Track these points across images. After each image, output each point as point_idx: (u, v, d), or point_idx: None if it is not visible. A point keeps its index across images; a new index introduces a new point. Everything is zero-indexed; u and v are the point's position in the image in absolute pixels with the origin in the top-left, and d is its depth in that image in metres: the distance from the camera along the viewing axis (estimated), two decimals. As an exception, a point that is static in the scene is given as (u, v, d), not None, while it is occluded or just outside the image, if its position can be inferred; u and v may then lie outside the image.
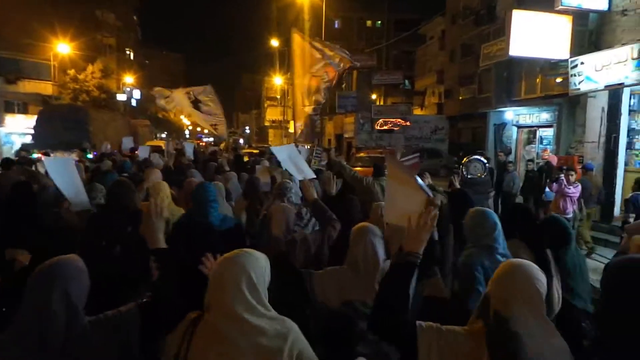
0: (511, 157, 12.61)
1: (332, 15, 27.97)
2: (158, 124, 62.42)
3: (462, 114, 28.26)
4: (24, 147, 25.26)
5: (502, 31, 19.13)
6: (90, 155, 14.53)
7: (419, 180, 2.37)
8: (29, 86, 35.06)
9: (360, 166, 14.24)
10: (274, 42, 34.06)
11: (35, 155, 13.79)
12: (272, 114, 46.81)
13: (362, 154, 16.44)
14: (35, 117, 32.01)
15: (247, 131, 78.88)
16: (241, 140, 60.54)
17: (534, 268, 1.75)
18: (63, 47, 33.93)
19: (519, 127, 16.67)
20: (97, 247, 3.04)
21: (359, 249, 2.49)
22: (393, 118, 18.44)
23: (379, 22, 41.82)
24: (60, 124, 22.41)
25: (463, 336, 1.72)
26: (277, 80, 38.48)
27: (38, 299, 1.67)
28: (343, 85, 31.63)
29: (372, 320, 1.85)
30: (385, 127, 18.32)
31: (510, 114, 16.21)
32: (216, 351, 1.71)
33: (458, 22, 30.65)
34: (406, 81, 35.75)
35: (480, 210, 2.97)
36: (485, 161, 9.01)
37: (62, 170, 3.91)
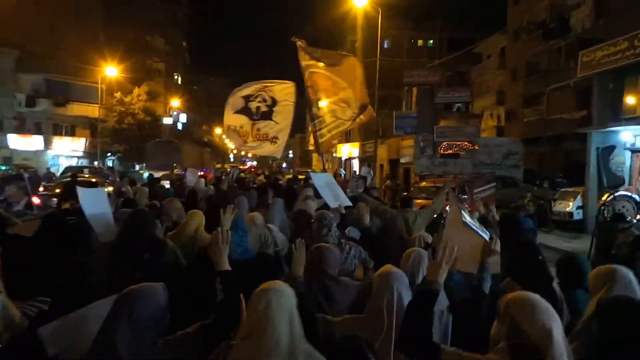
0: (623, 189, 10.08)
1: (381, 35, 26.23)
2: (198, 146, 62.68)
3: (526, 139, 25.33)
4: (69, 170, 25.55)
5: (590, 41, 16.56)
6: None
7: (471, 223, 2.56)
8: (77, 109, 35.36)
9: (424, 198, 11.93)
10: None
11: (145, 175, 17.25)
12: (316, 138, 45.16)
13: (425, 184, 14.14)
14: (83, 139, 33.54)
15: (291, 155, 78.13)
16: (284, 165, 59.65)
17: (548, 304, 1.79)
18: (111, 71, 34.05)
19: (635, 151, 13.18)
20: (118, 273, 3.17)
21: (382, 299, 2.26)
22: (459, 141, 16.18)
23: (431, 41, 39.90)
24: (161, 151, 29.83)
25: None
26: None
27: (107, 321, 1.90)
28: (402, 104, 29.46)
29: (400, 339, 2.02)
30: (449, 152, 16.11)
31: (627, 134, 12.62)
32: None
33: (522, 38, 28.18)
34: (460, 103, 33.27)
35: None
36: (638, 199, 6.60)
37: (94, 201, 4.02)
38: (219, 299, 2.12)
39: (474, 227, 2.50)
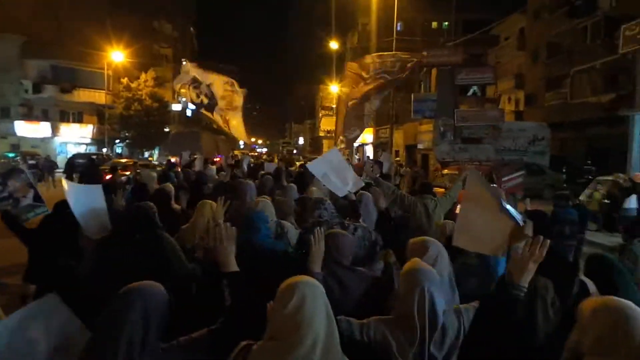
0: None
1: (394, 17, 25.20)
2: (213, 134, 62.08)
3: (548, 124, 24.17)
4: (78, 157, 25.33)
5: (618, 19, 15.51)
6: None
7: (506, 204, 2.29)
8: (83, 95, 34.77)
9: (448, 187, 11.07)
10: (333, 45, 31.46)
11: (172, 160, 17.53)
12: (327, 124, 44.42)
13: (447, 171, 13.20)
14: (90, 126, 33.23)
15: (301, 142, 77.47)
16: (295, 151, 58.90)
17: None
18: (118, 56, 33.35)
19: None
20: (102, 271, 2.95)
21: (412, 300, 1.95)
22: (481, 125, 15.15)
23: (446, 22, 38.55)
24: (183, 140, 30.33)
25: None
26: (333, 89, 36.07)
27: (116, 314, 1.68)
28: (421, 86, 28.31)
29: (464, 357, 1.80)
30: (470, 137, 15.12)
31: None
32: None
33: (543, 17, 26.84)
34: (475, 87, 32.04)
35: None
36: None
37: (85, 197, 3.83)
38: (227, 302, 1.93)
39: (506, 208, 2.27)
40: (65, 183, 3.93)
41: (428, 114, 20.92)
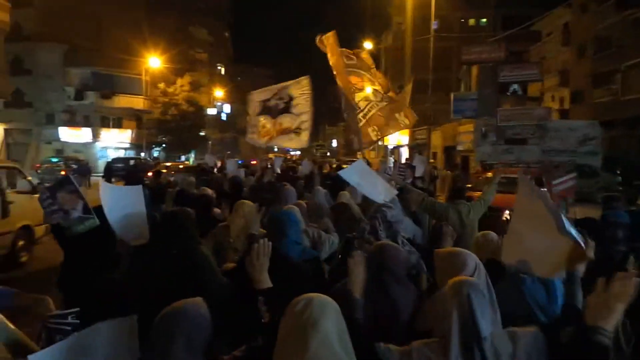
0: None
1: (429, 15, 24.52)
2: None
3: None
4: (115, 161, 25.87)
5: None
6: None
7: (565, 220, 2.09)
8: (122, 101, 35.64)
9: (498, 192, 10.20)
10: (367, 45, 30.93)
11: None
12: (361, 126, 43.81)
13: (491, 174, 12.46)
14: (129, 131, 33.92)
15: (334, 145, 77.16)
16: (328, 154, 58.69)
17: None
18: (155, 62, 33.98)
19: None
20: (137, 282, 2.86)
21: (452, 313, 1.76)
22: (527, 125, 14.33)
23: (484, 19, 37.35)
24: (223, 144, 32.81)
25: None
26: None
27: (160, 345, 1.65)
28: (461, 85, 27.50)
29: None
30: (515, 137, 14.31)
31: None
32: None
33: (590, 10, 25.46)
34: (516, 85, 30.76)
35: None
36: None
37: (121, 199, 3.57)
38: (265, 319, 1.93)
39: (568, 228, 2.09)
40: (101, 184, 3.67)
41: (469, 114, 19.97)
